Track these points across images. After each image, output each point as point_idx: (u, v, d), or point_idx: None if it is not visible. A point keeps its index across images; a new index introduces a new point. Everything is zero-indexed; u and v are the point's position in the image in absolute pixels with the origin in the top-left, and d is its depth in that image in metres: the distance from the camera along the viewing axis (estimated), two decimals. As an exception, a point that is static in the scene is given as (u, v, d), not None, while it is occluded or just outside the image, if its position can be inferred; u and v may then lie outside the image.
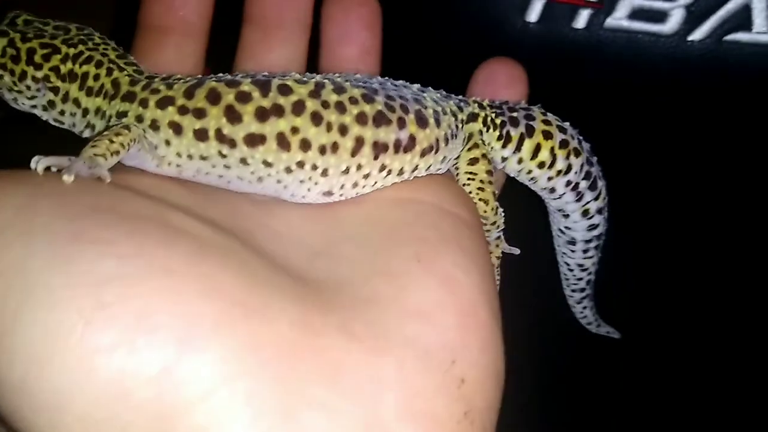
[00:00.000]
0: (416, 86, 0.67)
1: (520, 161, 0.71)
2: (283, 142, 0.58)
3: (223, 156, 0.58)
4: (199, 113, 0.58)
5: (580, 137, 0.73)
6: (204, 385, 0.41)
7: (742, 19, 0.77)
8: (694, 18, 0.78)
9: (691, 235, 0.95)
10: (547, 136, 0.70)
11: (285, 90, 0.59)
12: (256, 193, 0.61)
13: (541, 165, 0.71)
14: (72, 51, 0.63)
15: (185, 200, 0.56)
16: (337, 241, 0.57)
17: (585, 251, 0.81)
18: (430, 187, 0.63)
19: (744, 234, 0.95)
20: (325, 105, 0.59)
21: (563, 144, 0.71)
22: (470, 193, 0.67)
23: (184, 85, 0.59)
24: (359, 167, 0.60)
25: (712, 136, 0.88)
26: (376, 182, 0.62)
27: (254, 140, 0.58)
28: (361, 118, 0.60)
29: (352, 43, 0.71)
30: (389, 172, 0.62)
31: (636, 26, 0.80)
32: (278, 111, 0.58)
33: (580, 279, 0.86)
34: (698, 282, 0.99)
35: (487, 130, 0.69)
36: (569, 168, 0.71)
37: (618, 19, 0.80)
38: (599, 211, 0.76)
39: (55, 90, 0.63)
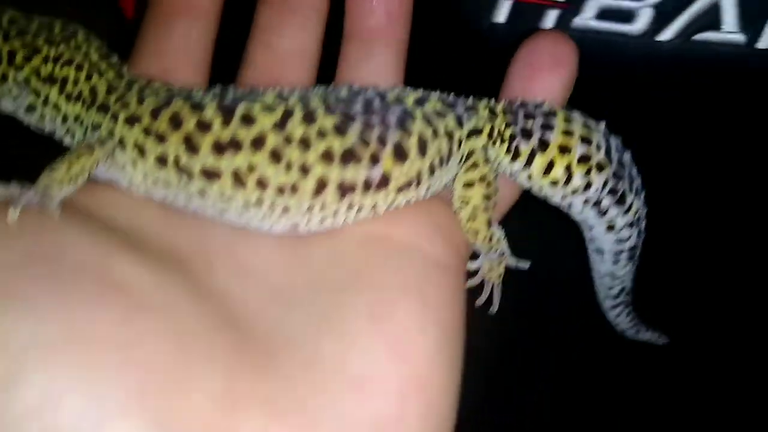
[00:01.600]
0: (416, 95, 0.62)
1: (530, 177, 0.65)
2: (238, 179, 0.56)
3: (184, 185, 0.57)
4: (161, 138, 0.56)
5: (615, 145, 0.65)
6: None
7: (711, 18, 0.76)
8: (662, 18, 0.77)
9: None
10: (564, 150, 0.63)
11: (247, 121, 0.56)
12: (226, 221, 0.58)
13: (553, 183, 0.64)
14: (53, 52, 0.61)
15: (155, 223, 0.56)
16: (298, 284, 0.55)
17: (615, 261, 0.75)
18: (407, 222, 0.60)
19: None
20: (288, 140, 0.56)
21: (583, 159, 0.63)
22: (461, 219, 0.63)
23: (153, 102, 0.57)
24: (323, 207, 0.57)
25: (688, 134, 0.88)
26: (345, 219, 0.59)
27: (210, 175, 0.56)
28: (326, 157, 0.56)
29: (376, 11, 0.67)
30: (359, 210, 0.59)
31: (604, 26, 0.79)
32: (235, 146, 0.55)
33: (611, 288, 0.80)
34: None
35: (494, 144, 0.64)
36: (588, 186, 0.64)
37: (586, 19, 0.79)
38: (630, 225, 0.69)
39: (36, 92, 0.62)
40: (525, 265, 0.69)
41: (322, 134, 0.56)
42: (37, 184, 0.53)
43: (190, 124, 0.56)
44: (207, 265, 0.54)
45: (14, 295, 0.43)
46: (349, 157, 0.56)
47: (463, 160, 0.63)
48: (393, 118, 0.59)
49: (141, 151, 0.57)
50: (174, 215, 0.57)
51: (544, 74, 0.65)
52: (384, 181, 0.58)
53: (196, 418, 0.43)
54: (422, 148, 0.59)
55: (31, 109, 0.63)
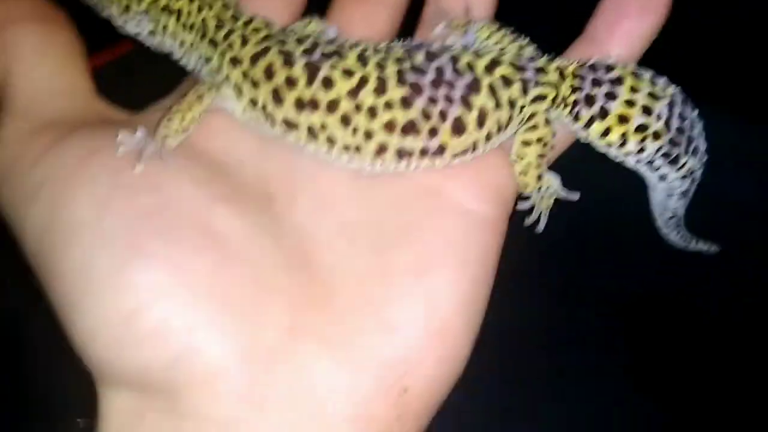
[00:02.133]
0: (489, 57, 0.67)
1: (587, 136, 0.70)
2: (312, 133, 0.65)
3: (269, 127, 0.66)
4: (255, 84, 0.66)
5: (678, 112, 0.69)
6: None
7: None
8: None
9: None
10: (623, 120, 0.69)
11: (327, 84, 0.64)
12: None
13: (608, 144, 0.70)
14: None
15: (251, 154, 0.66)
16: (362, 222, 0.65)
17: (667, 198, 0.78)
18: (461, 178, 0.67)
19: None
20: (358, 107, 0.64)
21: (641, 128, 0.69)
22: (514, 171, 0.70)
23: (253, 47, 0.66)
24: (383, 164, 0.65)
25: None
26: (408, 168, 0.66)
27: (289, 125, 0.65)
28: (389, 126, 0.64)
29: None
30: (417, 168, 0.66)
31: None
32: (313, 105, 0.64)
33: (662, 214, 0.82)
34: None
35: (556, 108, 0.69)
36: (641, 150, 0.70)
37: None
38: (682, 178, 0.74)
39: (155, 22, 0.72)
40: (575, 196, 0.76)
41: (389, 105, 0.64)
42: (157, 134, 0.63)
43: (280, 77, 0.65)
44: (291, 198, 0.65)
45: (138, 247, 0.56)
46: (409, 128, 0.64)
47: (525, 120, 0.69)
48: (458, 93, 0.65)
49: (240, 90, 0.66)
50: (268, 145, 0.67)
51: (630, 21, 0.70)
52: (440, 150, 0.66)
53: (264, 343, 0.57)
54: (481, 121, 0.66)
55: (152, 34, 0.73)
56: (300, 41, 0.67)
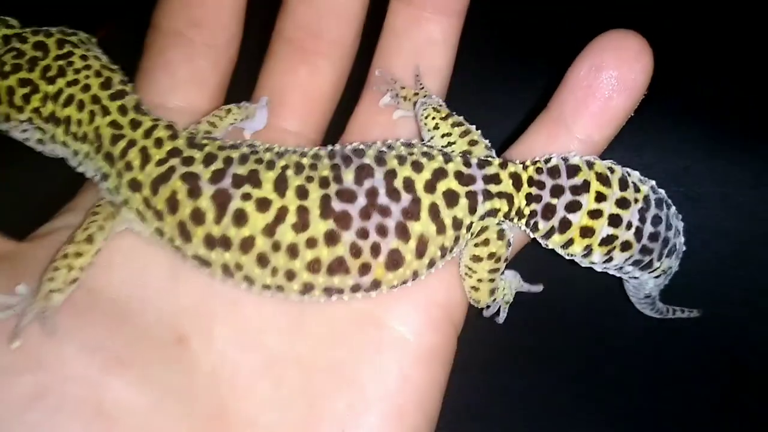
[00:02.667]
0: (432, 168, 0.59)
1: (547, 245, 0.63)
2: (227, 271, 0.57)
3: (182, 257, 0.58)
4: (159, 215, 0.57)
5: (652, 215, 0.61)
6: None
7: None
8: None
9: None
10: (587, 232, 0.60)
11: (240, 218, 0.56)
12: None
13: (570, 254, 0.62)
14: (51, 89, 0.60)
15: (158, 286, 0.59)
16: (290, 358, 0.58)
17: (638, 292, 0.73)
18: (403, 305, 0.61)
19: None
20: (276, 246, 0.56)
21: (607, 241, 0.61)
22: (464, 286, 0.63)
23: (155, 169, 0.58)
24: (311, 299, 0.58)
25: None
26: (340, 300, 0.59)
27: (201, 261, 0.57)
28: (313, 266, 0.57)
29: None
30: (351, 300, 0.59)
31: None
32: (225, 243, 0.56)
33: (637, 296, 0.76)
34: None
35: (511, 220, 0.62)
36: (609, 260, 0.62)
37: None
38: (657, 277, 0.67)
39: (41, 131, 0.62)
40: (538, 288, 0.71)
41: (311, 242, 0.56)
42: (40, 291, 0.55)
43: (185, 210, 0.56)
44: (208, 334, 0.57)
45: None
46: (336, 267, 0.56)
47: (475, 234, 0.61)
48: (393, 221, 0.57)
49: (143, 217, 0.58)
50: (180, 269, 0.59)
51: (631, 63, 0.61)
52: (375, 285, 0.58)
53: None
54: (421, 251, 0.58)
55: (40, 142, 0.63)
56: (209, 158, 0.58)
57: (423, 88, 0.68)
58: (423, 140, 0.66)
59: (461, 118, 0.65)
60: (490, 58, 0.96)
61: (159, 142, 0.59)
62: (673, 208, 0.65)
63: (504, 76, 0.97)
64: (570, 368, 0.92)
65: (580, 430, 0.88)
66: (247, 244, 0.56)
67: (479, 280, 0.62)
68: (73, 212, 0.64)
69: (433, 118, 0.64)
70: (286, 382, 0.57)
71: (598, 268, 0.64)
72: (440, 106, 0.66)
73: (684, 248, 0.66)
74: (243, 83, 0.73)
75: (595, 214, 0.60)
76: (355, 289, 0.58)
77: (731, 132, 0.94)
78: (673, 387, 0.91)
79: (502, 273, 0.64)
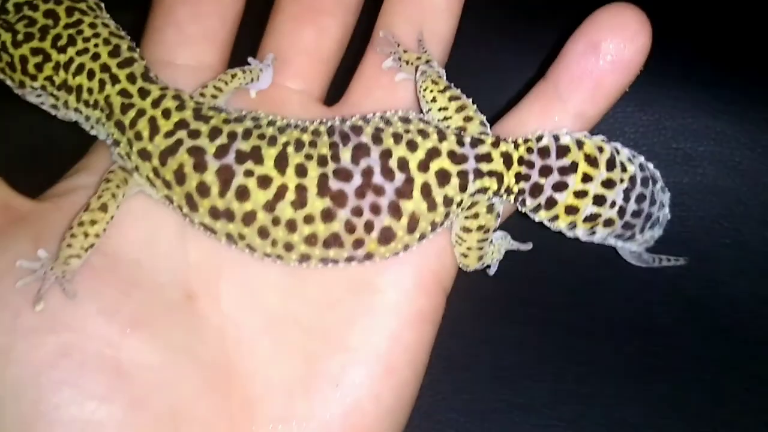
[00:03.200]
0: (427, 147, 0.61)
1: (534, 218, 0.66)
2: (231, 239, 0.61)
3: (190, 222, 0.62)
4: (167, 185, 0.60)
5: (637, 192, 0.63)
6: None
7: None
8: None
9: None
10: (571, 210, 0.63)
11: (242, 194, 0.59)
12: None
13: (556, 228, 0.65)
14: (63, 58, 0.62)
15: (168, 248, 0.63)
16: (290, 319, 0.62)
17: (628, 250, 0.72)
18: (396, 272, 0.64)
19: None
20: (276, 221, 0.59)
21: (591, 218, 0.64)
22: (454, 251, 0.66)
23: (164, 141, 0.60)
24: (309, 266, 0.62)
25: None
26: (336, 268, 0.62)
27: (206, 228, 0.61)
28: (310, 240, 0.60)
29: None
30: (345, 268, 0.62)
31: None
32: (229, 216, 0.59)
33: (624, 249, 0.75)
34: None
35: (500, 196, 0.64)
36: (593, 233, 0.65)
37: None
38: (640, 244, 0.69)
39: (55, 97, 0.64)
40: (528, 246, 0.74)
41: (309, 219, 0.59)
42: (59, 257, 0.58)
43: (191, 183, 0.59)
44: (215, 292, 0.62)
45: (45, 402, 0.55)
46: (332, 241, 0.60)
47: (465, 208, 0.64)
48: (386, 200, 0.60)
49: (152, 184, 0.61)
50: (189, 228, 0.63)
51: (629, 40, 0.61)
52: (368, 257, 0.62)
53: None
54: (412, 227, 0.61)
55: (54, 107, 0.65)
56: (214, 132, 0.60)
57: (426, 52, 0.69)
58: (421, 110, 0.68)
59: (458, 92, 0.66)
60: (497, 19, 0.95)
61: (167, 113, 0.61)
62: (660, 182, 0.67)
63: (510, 38, 0.96)
64: (560, 318, 0.94)
65: (571, 380, 0.90)
66: (248, 218, 0.59)
67: (468, 248, 0.65)
68: (87, 171, 0.67)
69: (431, 91, 0.66)
70: (285, 342, 0.62)
71: (583, 239, 0.67)
72: (439, 77, 0.67)
73: (669, 217, 0.69)
74: (247, 36, 0.74)
75: (580, 195, 0.63)
76: (350, 259, 0.61)
77: (733, 92, 0.94)
78: (659, 339, 0.93)
79: (491, 239, 0.67)
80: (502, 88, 0.91)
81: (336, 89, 0.75)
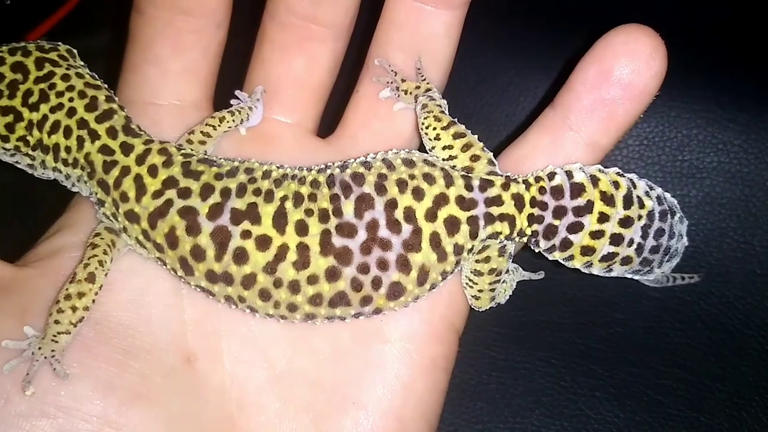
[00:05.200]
0: (434, 193, 0.57)
1: (547, 257, 0.62)
2: (230, 301, 0.57)
3: (184, 283, 0.58)
4: (159, 248, 0.56)
5: (656, 228, 0.60)
6: None
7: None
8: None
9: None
10: (587, 252, 0.60)
11: (240, 257, 0.55)
12: None
13: (571, 266, 0.62)
14: (35, 116, 0.58)
15: (163, 306, 0.59)
16: (297, 374, 0.59)
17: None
18: (406, 320, 0.61)
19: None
20: (278, 283, 0.56)
21: (607, 257, 0.60)
22: (465, 294, 0.63)
23: (152, 202, 0.56)
24: (314, 323, 0.59)
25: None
26: (343, 322, 0.59)
27: (204, 290, 0.57)
28: (315, 300, 0.56)
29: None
30: (353, 322, 0.59)
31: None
32: (227, 279, 0.56)
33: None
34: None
35: (512, 240, 0.61)
36: (609, 271, 0.62)
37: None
38: (655, 276, 0.66)
39: (30, 157, 0.60)
40: (540, 276, 0.71)
41: (313, 279, 0.55)
42: (47, 333, 0.54)
43: (185, 247, 0.55)
44: (215, 351, 0.58)
45: None
46: (338, 300, 0.56)
47: (476, 252, 0.60)
48: (394, 254, 0.56)
49: (143, 246, 0.57)
50: (185, 287, 0.59)
51: (645, 63, 0.58)
52: (376, 311, 0.58)
53: None
54: (422, 279, 0.57)
55: (30, 167, 0.61)
56: (206, 190, 0.56)
57: (425, 80, 0.65)
58: (424, 145, 0.64)
59: (463, 128, 0.63)
60: (499, 37, 0.92)
61: (153, 170, 0.57)
62: (678, 213, 0.63)
63: (515, 57, 0.93)
64: (573, 342, 0.91)
65: (585, 404, 0.88)
66: (248, 281, 0.56)
67: (480, 290, 0.62)
68: (70, 229, 0.62)
69: (434, 129, 0.62)
70: (292, 400, 0.58)
71: (600, 275, 0.64)
72: (441, 112, 0.63)
73: (686, 244, 0.65)
74: (231, 65, 0.70)
75: (596, 235, 0.59)
76: (357, 315, 0.58)
77: (738, 101, 0.92)
78: (673, 361, 0.90)
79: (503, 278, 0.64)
80: (506, 112, 0.88)
81: (328, 115, 0.71)
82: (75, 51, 0.62)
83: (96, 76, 0.61)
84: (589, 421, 0.86)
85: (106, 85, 0.61)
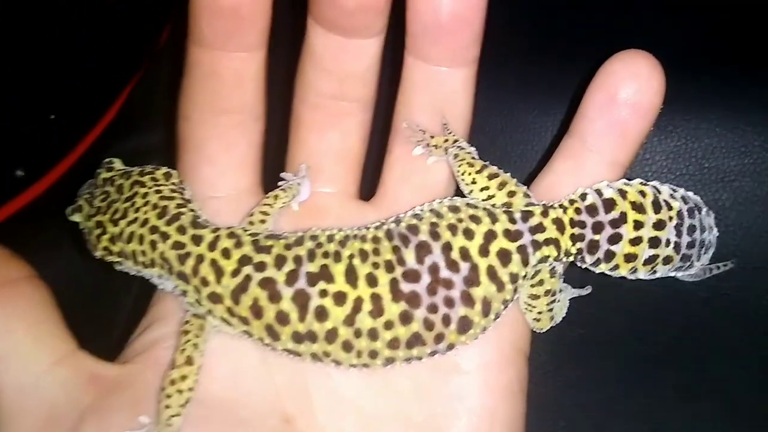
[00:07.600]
0: (482, 232, 0.63)
1: (594, 270, 0.68)
2: (316, 358, 0.62)
3: (272, 350, 0.63)
4: (244, 321, 0.62)
5: (688, 225, 0.66)
6: None
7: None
8: None
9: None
10: (630, 259, 0.65)
11: (321, 314, 0.61)
12: None
13: (618, 275, 0.67)
14: (116, 230, 0.65)
15: (256, 377, 0.65)
16: (385, 416, 0.64)
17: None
18: (479, 351, 0.65)
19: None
20: (358, 333, 0.61)
21: (650, 260, 0.66)
22: (526, 318, 0.68)
23: (231, 281, 0.62)
24: (393, 367, 0.63)
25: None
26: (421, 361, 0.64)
27: (291, 353, 0.63)
28: (393, 344, 0.61)
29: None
30: (429, 360, 0.64)
31: None
32: (311, 337, 0.61)
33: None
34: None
35: (560, 261, 0.66)
36: (654, 273, 0.68)
37: None
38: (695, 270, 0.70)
39: (117, 262, 0.67)
40: (587, 291, 0.76)
41: (389, 325, 0.61)
42: (159, 421, 0.60)
43: (269, 314, 0.61)
44: (309, 410, 0.63)
45: None
46: (414, 341, 0.62)
47: (530, 277, 0.65)
48: (458, 291, 0.62)
49: (228, 323, 0.63)
50: (270, 357, 0.65)
51: (644, 83, 0.63)
52: (450, 347, 0.63)
53: None
54: (486, 310, 0.63)
55: (120, 266, 0.68)
56: (279, 260, 0.62)
57: (451, 133, 0.71)
58: (458, 187, 0.70)
59: (495, 168, 0.69)
60: (510, 79, 0.98)
61: (227, 253, 0.63)
62: (704, 208, 0.69)
63: (528, 94, 0.99)
64: (636, 350, 0.94)
65: (660, 406, 0.90)
66: (331, 336, 0.61)
67: (540, 313, 0.67)
68: (160, 323, 0.68)
69: (469, 174, 0.68)
70: None
71: (646, 279, 0.69)
72: (473, 158, 0.69)
73: (717, 234, 0.70)
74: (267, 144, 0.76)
75: (635, 241, 0.65)
76: (433, 354, 0.63)
77: (754, 105, 0.96)
78: (736, 355, 0.93)
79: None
80: (535, 148, 0.92)
81: (365, 178, 0.76)
82: (173, 172, 0.70)
83: (176, 188, 0.68)
84: (667, 421, 0.89)
85: (182, 192, 0.68)
